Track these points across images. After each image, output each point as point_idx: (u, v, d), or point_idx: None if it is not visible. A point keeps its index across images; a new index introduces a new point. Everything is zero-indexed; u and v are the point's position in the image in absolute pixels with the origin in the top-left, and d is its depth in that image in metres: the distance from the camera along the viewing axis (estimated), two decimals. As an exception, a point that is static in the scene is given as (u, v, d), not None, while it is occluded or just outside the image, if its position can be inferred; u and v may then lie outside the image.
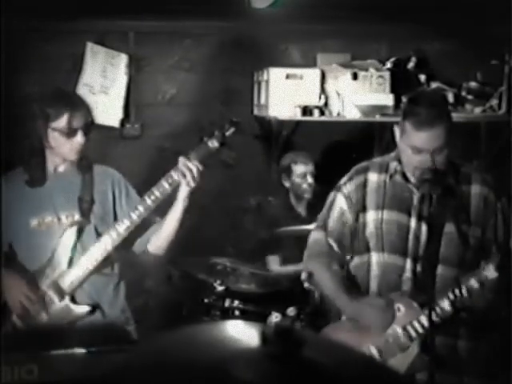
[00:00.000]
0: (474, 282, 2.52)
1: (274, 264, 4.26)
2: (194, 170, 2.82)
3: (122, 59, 4.75)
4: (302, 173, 4.38)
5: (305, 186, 4.38)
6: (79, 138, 2.83)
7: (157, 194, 2.85)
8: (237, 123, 2.92)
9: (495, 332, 2.75)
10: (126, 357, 1.04)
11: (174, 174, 2.85)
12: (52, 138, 2.84)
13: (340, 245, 2.82)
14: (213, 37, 4.89)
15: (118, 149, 4.72)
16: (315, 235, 2.90)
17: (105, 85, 4.72)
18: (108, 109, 4.70)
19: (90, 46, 4.69)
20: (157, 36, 4.82)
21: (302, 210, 4.43)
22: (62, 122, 2.81)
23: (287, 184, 4.44)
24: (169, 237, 2.97)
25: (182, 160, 2.85)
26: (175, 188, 2.87)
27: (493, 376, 2.70)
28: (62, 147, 2.86)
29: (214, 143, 2.88)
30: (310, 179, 4.37)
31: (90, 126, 2.89)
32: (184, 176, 2.83)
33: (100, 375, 1.03)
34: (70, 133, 2.82)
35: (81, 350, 2.39)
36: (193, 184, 2.83)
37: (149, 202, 2.85)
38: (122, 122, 4.80)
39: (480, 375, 2.68)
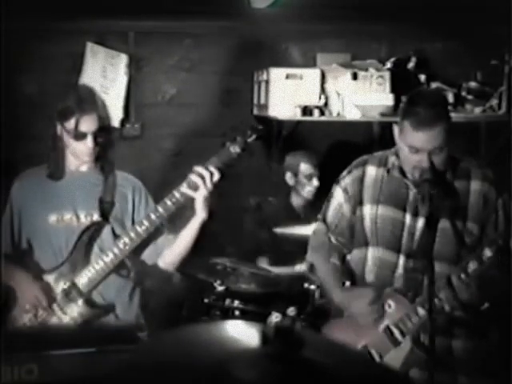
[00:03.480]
0: (463, 277, 2.52)
1: (262, 264, 4.26)
2: (210, 179, 2.82)
3: (122, 59, 4.75)
4: (309, 174, 4.37)
5: (309, 188, 4.37)
6: (88, 142, 2.83)
7: (177, 195, 2.86)
8: (259, 130, 2.93)
9: (490, 331, 2.75)
10: (127, 357, 1.04)
11: (194, 178, 2.84)
12: (65, 137, 2.86)
13: (339, 237, 2.84)
14: (213, 37, 4.88)
15: (117, 149, 4.71)
16: (316, 227, 2.95)
17: (105, 85, 4.71)
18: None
19: (89, 46, 4.69)
20: (157, 36, 4.82)
21: (301, 210, 4.43)
22: (71, 124, 2.82)
23: (291, 182, 4.44)
24: (182, 252, 2.98)
25: (197, 167, 2.85)
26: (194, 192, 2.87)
27: (487, 375, 2.71)
28: (75, 147, 2.88)
29: (235, 149, 2.87)
30: (315, 182, 4.36)
31: (104, 132, 2.88)
32: (199, 182, 2.82)
33: (100, 375, 1.03)
34: (77, 136, 2.83)
35: (82, 350, 2.38)
36: (208, 189, 2.82)
37: (169, 203, 2.85)
38: (122, 122, 4.79)
39: (474, 374, 2.68)
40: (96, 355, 2.30)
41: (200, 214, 2.87)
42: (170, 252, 2.99)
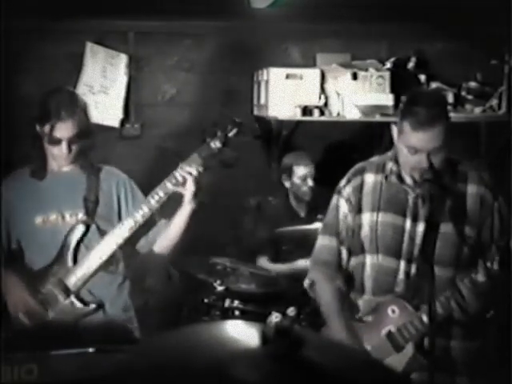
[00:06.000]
0: (465, 285, 2.53)
1: (263, 263, 4.26)
2: (195, 174, 2.84)
3: (122, 59, 4.75)
4: (302, 175, 4.37)
5: (305, 188, 4.37)
6: (63, 148, 2.85)
7: (160, 194, 2.87)
8: (239, 124, 2.92)
9: (488, 332, 2.75)
10: (127, 357, 1.04)
11: (177, 175, 2.86)
12: (43, 139, 2.88)
13: (349, 251, 2.79)
14: (213, 37, 4.88)
15: (117, 149, 4.72)
16: (324, 241, 2.84)
17: (105, 85, 4.72)
18: (108, 109, 4.70)
19: (89, 46, 4.69)
20: (157, 36, 4.82)
21: (301, 210, 4.43)
22: (46, 129, 2.84)
23: (287, 185, 4.44)
24: (175, 238, 2.98)
25: (181, 165, 2.87)
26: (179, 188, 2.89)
27: (486, 375, 2.71)
28: (52, 151, 2.90)
29: (216, 144, 2.88)
30: (310, 182, 4.36)
31: (83, 137, 2.88)
32: (185, 180, 2.85)
33: (100, 375, 1.03)
34: (52, 141, 2.85)
35: (81, 350, 2.39)
36: (194, 187, 2.85)
37: (152, 201, 2.87)
38: (122, 122, 4.80)
39: (473, 374, 2.68)
40: (95, 355, 2.30)
41: (188, 206, 2.90)
42: (164, 238, 2.99)
